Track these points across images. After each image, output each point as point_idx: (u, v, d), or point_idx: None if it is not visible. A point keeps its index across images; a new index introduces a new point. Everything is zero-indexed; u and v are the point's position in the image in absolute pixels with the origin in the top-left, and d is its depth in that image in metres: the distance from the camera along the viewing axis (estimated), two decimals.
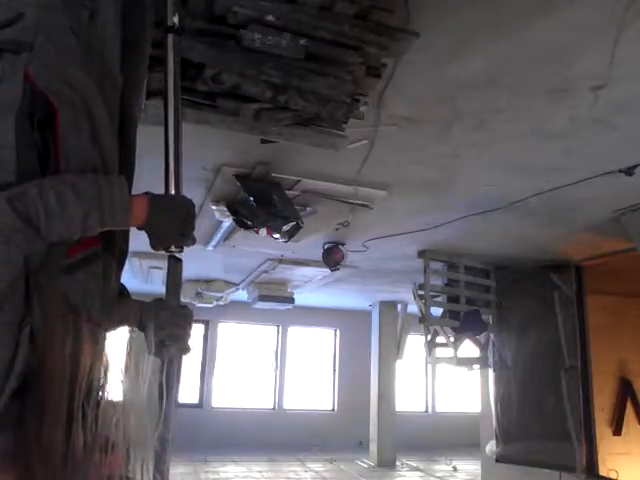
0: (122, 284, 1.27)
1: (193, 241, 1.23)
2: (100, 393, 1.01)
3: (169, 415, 1.17)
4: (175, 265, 1.25)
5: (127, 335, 1.22)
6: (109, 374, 1.05)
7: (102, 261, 1.10)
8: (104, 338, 1.07)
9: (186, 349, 1.21)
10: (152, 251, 1.23)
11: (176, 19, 1.36)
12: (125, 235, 1.24)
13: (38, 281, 0.95)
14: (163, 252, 1.23)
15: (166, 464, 1.15)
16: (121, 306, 1.21)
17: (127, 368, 1.12)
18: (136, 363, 1.13)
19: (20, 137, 0.99)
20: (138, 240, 1.26)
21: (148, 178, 1.32)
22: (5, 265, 0.91)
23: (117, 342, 1.17)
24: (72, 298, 1.00)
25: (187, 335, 1.21)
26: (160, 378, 1.18)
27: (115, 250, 1.19)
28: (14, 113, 1.00)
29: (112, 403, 1.04)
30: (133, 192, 1.16)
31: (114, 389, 1.06)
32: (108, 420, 1.00)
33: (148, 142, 1.50)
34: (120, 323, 1.21)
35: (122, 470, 1.03)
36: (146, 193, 1.16)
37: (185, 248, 1.25)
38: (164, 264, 1.27)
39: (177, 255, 1.24)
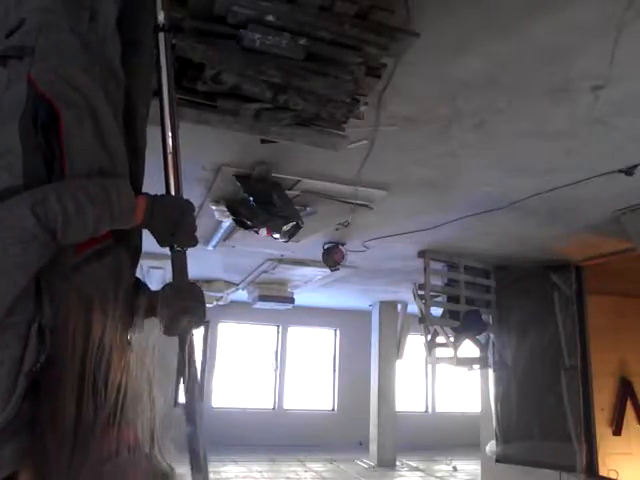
0: (138, 278, 1.26)
1: (195, 241, 1.24)
2: (116, 378, 1.02)
3: (192, 404, 1.18)
4: (178, 255, 1.26)
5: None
6: (128, 361, 1.06)
7: (114, 254, 1.11)
8: (122, 327, 1.07)
9: (196, 321, 1.20)
10: (151, 251, 1.24)
11: (161, 17, 1.33)
12: (139, 232, 1.24)
13: (48, 280, 0.96)
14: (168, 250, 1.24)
15: (201, 456, 1.17)
16: (138, 298, 1.21)
17: (136, 354, 1.13)
18: (145, 347, 1.13)
19: (25, 141, 1.00)
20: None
21: (146, 176, 1.32)
22: (22, 270, 0.92)
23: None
24: (84, 291, 1.01)
25: (195, 307, 1.20)
26: (178, 357, 1.18)
27: (129, 246, 1.20)
28: (18, 118, 1.00)
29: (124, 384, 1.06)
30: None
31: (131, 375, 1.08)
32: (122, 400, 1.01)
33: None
34: (141, 314, 1.20)
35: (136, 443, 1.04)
36: (145, 194, 1.17)
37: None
38: (162, 264, 1.28)
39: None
